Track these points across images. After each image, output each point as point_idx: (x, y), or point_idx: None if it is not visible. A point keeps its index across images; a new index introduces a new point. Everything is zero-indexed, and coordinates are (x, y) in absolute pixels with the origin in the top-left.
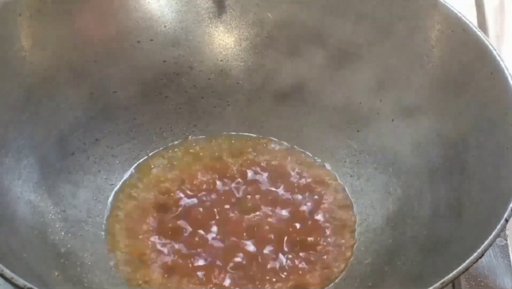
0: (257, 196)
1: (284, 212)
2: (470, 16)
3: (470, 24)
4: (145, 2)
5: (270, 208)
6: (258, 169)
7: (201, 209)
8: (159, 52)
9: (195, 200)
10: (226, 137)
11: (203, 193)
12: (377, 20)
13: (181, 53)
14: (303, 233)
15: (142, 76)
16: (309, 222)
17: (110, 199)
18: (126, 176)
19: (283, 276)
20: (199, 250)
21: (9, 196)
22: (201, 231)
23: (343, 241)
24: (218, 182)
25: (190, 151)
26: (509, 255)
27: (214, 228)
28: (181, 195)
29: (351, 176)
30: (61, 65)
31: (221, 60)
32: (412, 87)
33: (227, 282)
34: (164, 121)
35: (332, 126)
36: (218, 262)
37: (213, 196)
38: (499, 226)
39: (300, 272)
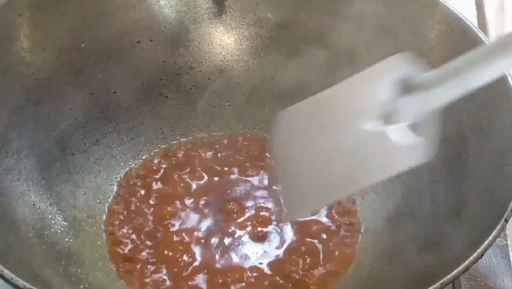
0: (256, 195)
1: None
2: (470, 16)
3: (470, 24)
4: (145, 2)
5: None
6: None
7: (201, 208)
8: (159, 52)
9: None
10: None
11: (203, 192)
12: (377, 21)
13: (181, 53)
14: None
15: (142, 76)
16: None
17: (110, 198)
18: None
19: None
20: (201, 247)
21: (9, 196)
22: (201, 226)
23: (343, 241)
24: (220, 179)
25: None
26: (509, 255)
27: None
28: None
29: None
30: (61, 65)
31: (221, 60)
32: None
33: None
34: (164, 121)
35: None
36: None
37: (216, 195)
38: (499, 226)
39: (300, 272)
